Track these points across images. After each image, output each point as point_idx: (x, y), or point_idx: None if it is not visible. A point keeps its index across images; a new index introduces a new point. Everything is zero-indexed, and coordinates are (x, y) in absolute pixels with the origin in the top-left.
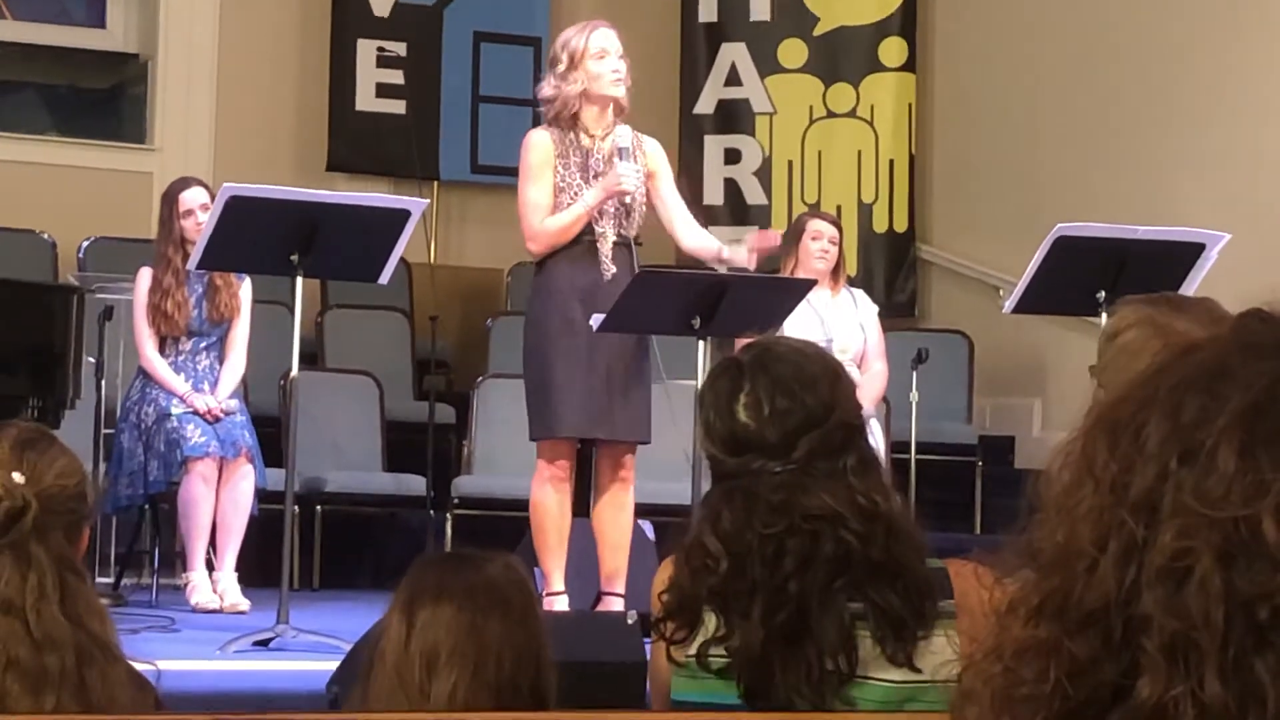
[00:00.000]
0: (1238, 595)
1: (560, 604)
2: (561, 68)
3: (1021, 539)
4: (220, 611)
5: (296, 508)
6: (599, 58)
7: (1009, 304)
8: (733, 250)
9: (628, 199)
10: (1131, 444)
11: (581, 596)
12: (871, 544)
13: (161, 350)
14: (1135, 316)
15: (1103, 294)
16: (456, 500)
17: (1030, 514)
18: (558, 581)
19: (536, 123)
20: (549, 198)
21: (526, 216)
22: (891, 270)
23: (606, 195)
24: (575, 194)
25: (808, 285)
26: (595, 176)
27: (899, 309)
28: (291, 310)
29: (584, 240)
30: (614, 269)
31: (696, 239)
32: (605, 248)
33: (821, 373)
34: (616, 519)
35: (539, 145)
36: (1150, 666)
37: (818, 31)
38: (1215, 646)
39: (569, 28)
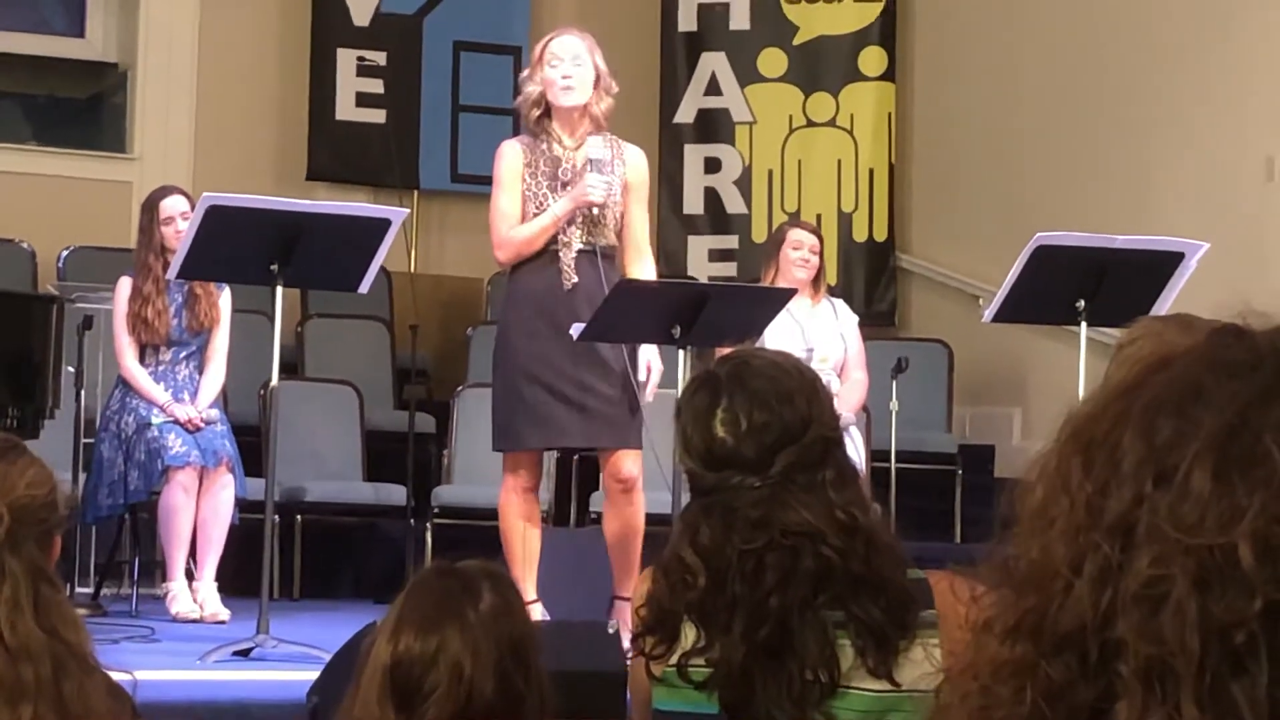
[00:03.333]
0: (1214, 621)
1: (535, 613)
2: (524, 74)
3: (997, 554)
4: (200, 621)
5: (276, 517)
6: (551, 64)
7: (989, 313)
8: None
9: (595, 210)
10: (1106, 463)
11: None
12: (851, 558)
13: (141, 360)
14: (1143, 330)
15: (1082, 303)
16: (436, 510)
17: (1005, 527)
18: (530, 591)
19: (516, 132)
20: (517, 207)
21: (494, 225)
22: (871, 279)
23: (574, 206)
24: (542, 204)
25: (788, 295)
26: (564, 186)
27: (879, 318)
28: (271, 319)
29: (548, 249)
30: (576, 278)
31: (635, 274)
32: (568, 256)
33: (798, 387)
34: (616, 526)
35: (508, 155)
36: (1127, 691)
37: (797, 41)
38: (1192, 672)
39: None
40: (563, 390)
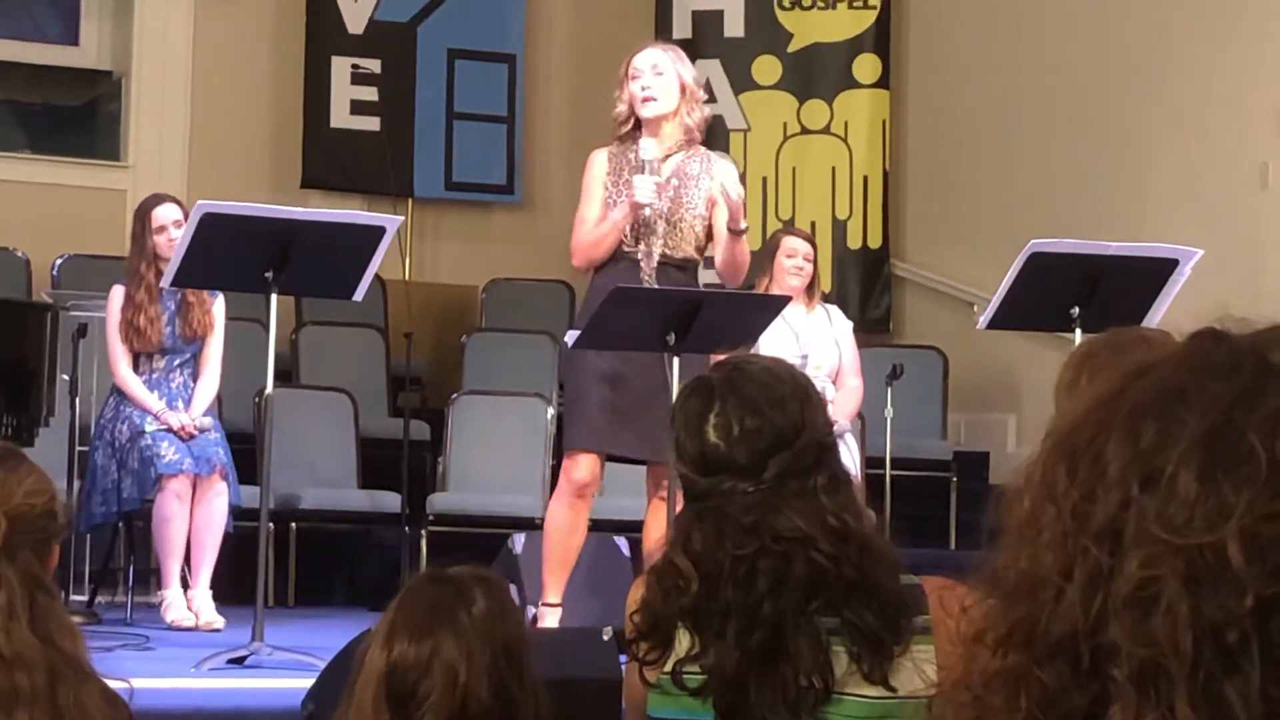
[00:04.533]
0: (1206, 621)
1: (553, 616)
2: (616, 94)
3: (985, 565)
4: (195, 629)
5: (271, 525)
6: (633, 77)
7: (983, 320)
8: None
9: (675, 217)
10: (1091, 470)
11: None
12: (844, 563)
13: (135, 368)
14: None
15: (1077, 310)
16: (431, 517)
17: (994, 538)
18: (554, 594)
19: (511, 140)
20: (596, 213)
21: (574, 232)
22: (866, 286)
23: (629, 210)
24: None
25: (782, 302)
26: None
27: (874, 325)
28: (266, 327)
29: (626, 258)
30: (655, 287)
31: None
32: (647, 266)
33: (791, 392)
34: (655, 537)
35: (593, 164)
36: (1121, 695)
37: (792, 48)
38: (1185, 673)
39: None
40: (630, 400)
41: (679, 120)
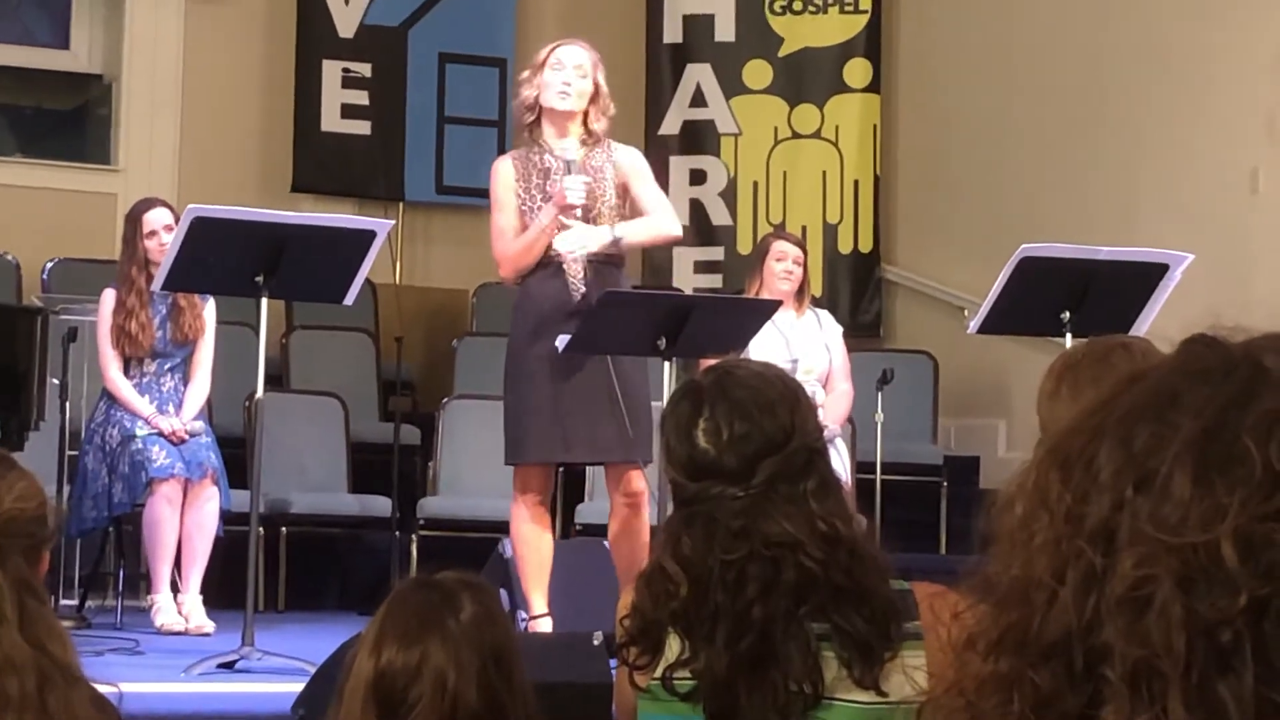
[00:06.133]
0: (1199, 620)
1: (543, 627)
2: (525, 75)
3: (977, 573)
4: (185, 633)
5: (261, 529)
6: (554, 68)
7: (974, 324)
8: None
9: (592, 213)
10: (1084, 474)
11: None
12: (833, 568)
13: (126, 372)
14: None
15: (1067, 314)
16: (422, 521)
17: (986, 544)
18: (539, 605)
19: (502, 143)
20: (514, 223)
21: (494, 243)
22: (856, 291)
23: (556, 212)
24: (536, 215)
25: (773, 306)
26: None
27: (864, 329)
28: (256, 331)
29: (554, 261)
30: (584, 288)
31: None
32: (574, 267)
33: (780, 397)
34: (627, 546)
35: (500, 174)
36: (1114, 696)
37: (783, 53)
38: (1178, 673)
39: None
40: (572, 404)
41: (585, 123)
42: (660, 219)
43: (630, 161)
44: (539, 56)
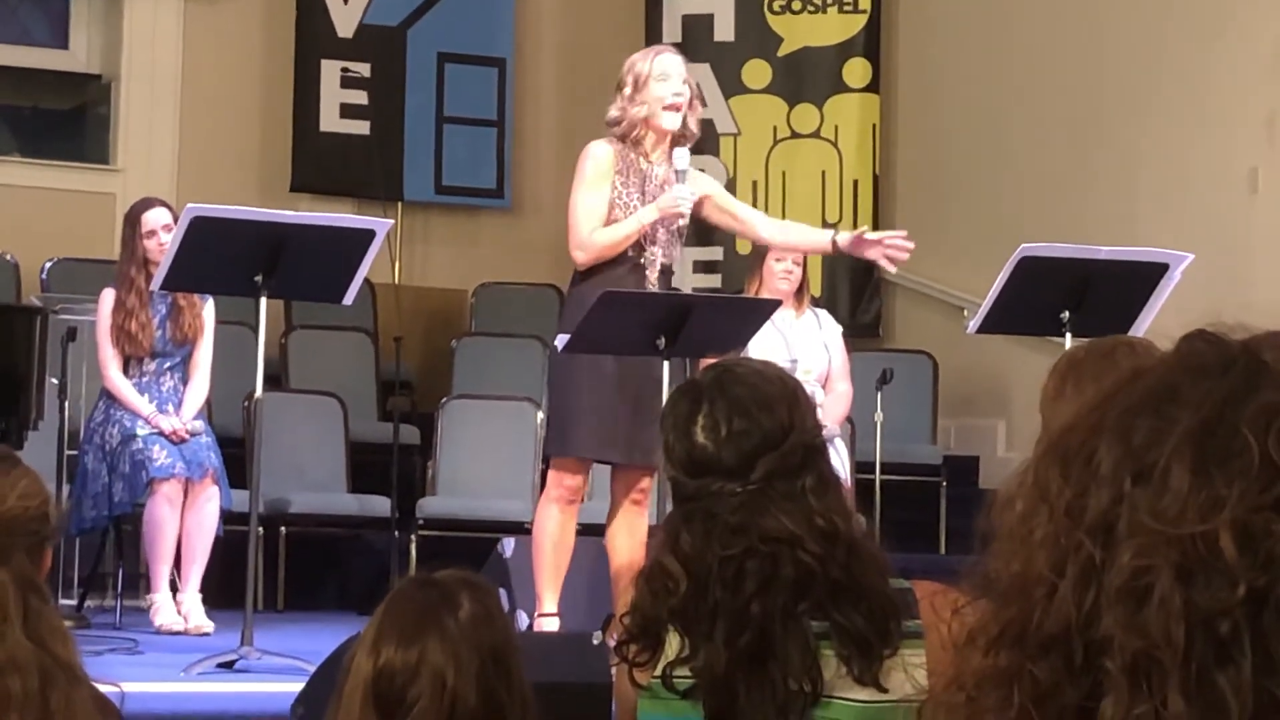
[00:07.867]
0: (1198, 611)
1: (550, 626)
2: (628, 90)
3: (977, 571)
4: (184, 633)
5: (261, 529)
6: (661, 79)
7: (973, 324)
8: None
9: (677, 225)
10: (1084, 469)
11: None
12: (831, 565)
13: (125, 371)
14: (1089, 350)
15: (1067, 314)
16: (421, 521)
17: (985, 543)
18: (550, 604)
19: (500, 144)
20: (603, 209)
21: (577, 224)
22: (856, 291)
23: (662, 216)
24: (629, 212)
25: (773, 306)
26: (651, 199)
27: (863, 329)
28: (255, 331)
29: (629, 261)
30: (656, 290)
31: (788, 232)
32: (653, 274)
33: (779, 394)
34: (627, 543)
35: (600, 155)
36: (1113, 687)
37: (782, 52)
38: (1177, 664)
39: (636, 53)
40: (630, 404)
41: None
42: (776, 222)
43: (705, 178)
44: (639, 69)
